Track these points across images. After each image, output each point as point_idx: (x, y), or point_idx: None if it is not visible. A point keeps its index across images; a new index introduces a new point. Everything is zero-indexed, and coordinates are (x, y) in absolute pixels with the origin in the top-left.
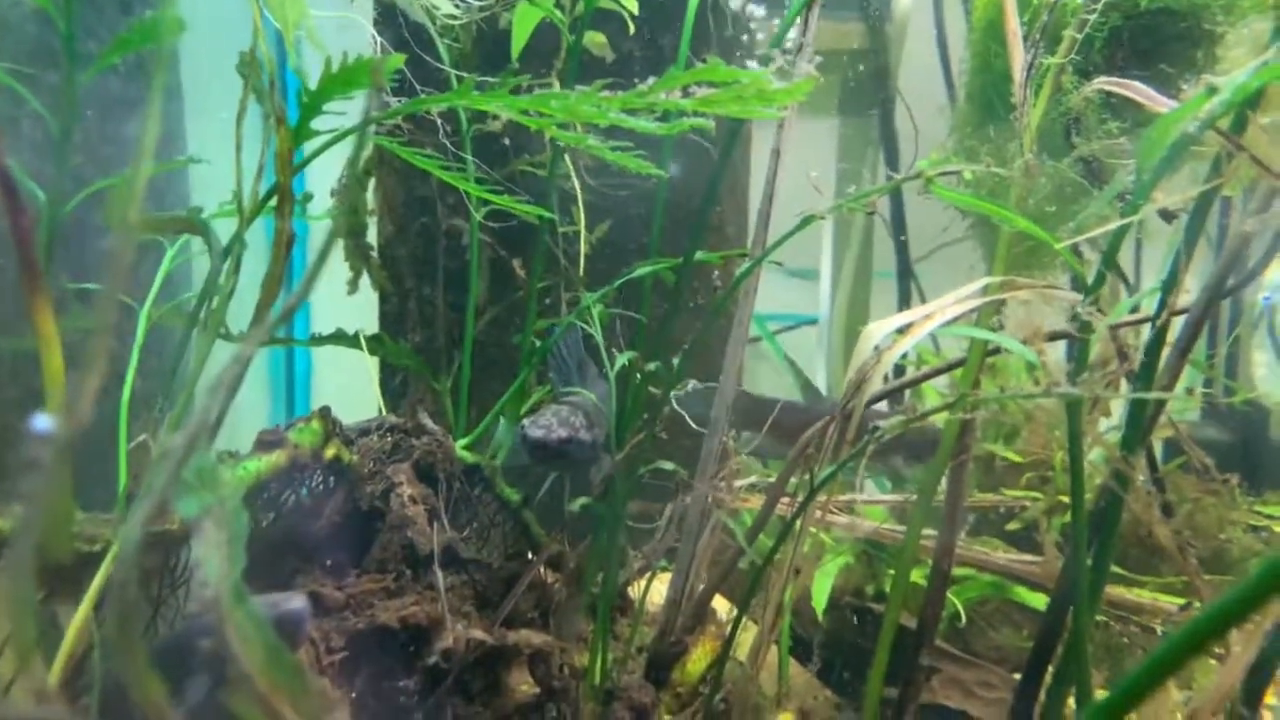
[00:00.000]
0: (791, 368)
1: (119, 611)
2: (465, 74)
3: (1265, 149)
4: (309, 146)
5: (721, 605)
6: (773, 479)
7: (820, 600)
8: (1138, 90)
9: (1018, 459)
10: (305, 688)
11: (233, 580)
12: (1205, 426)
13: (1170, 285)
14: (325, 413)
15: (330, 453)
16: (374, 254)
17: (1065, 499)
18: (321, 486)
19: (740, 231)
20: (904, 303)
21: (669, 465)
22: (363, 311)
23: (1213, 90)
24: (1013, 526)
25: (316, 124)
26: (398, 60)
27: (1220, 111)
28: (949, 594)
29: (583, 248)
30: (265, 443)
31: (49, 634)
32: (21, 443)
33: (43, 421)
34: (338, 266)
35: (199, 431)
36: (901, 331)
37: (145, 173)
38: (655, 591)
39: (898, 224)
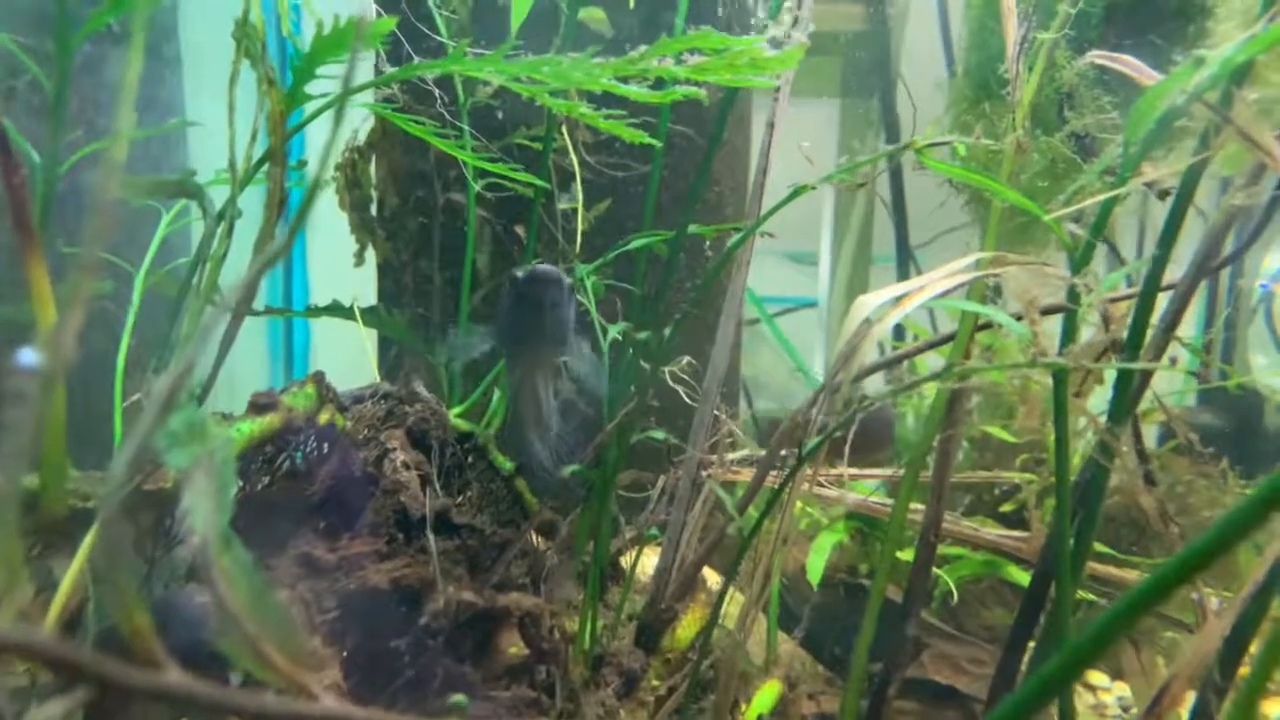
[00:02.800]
0: (788, 349)
1: (107, 547)
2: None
3: (1253, 124)
4: (306, 110)
5: (713, 575)
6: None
7: (815, 574)
8: (1129, 64)
9: (1013, 440)
10: (291, 631)
11: (220, 528)
12: (1200, 412)
13: (1160, 260)
14: (319, 377)
15: (324, 418)
16: (378, 227)
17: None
18: (315, 451)
19: (738, 213)
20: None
21: (659, 434)
22: (362, 285)
23: (1200, 62)
24: (1007, 508)
25: (316, 90)
26: (389, 23)
27: (1208, 84)
28: (941, 572)
29: (579, 224)
30: (259, 405)
31: (44, 589)
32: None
33: (28, 355)
34: (342, 238)
35: (184, 374)
36: (893, 304)
37: (130, 121)
38: (647, 563)
39: (898, 208)
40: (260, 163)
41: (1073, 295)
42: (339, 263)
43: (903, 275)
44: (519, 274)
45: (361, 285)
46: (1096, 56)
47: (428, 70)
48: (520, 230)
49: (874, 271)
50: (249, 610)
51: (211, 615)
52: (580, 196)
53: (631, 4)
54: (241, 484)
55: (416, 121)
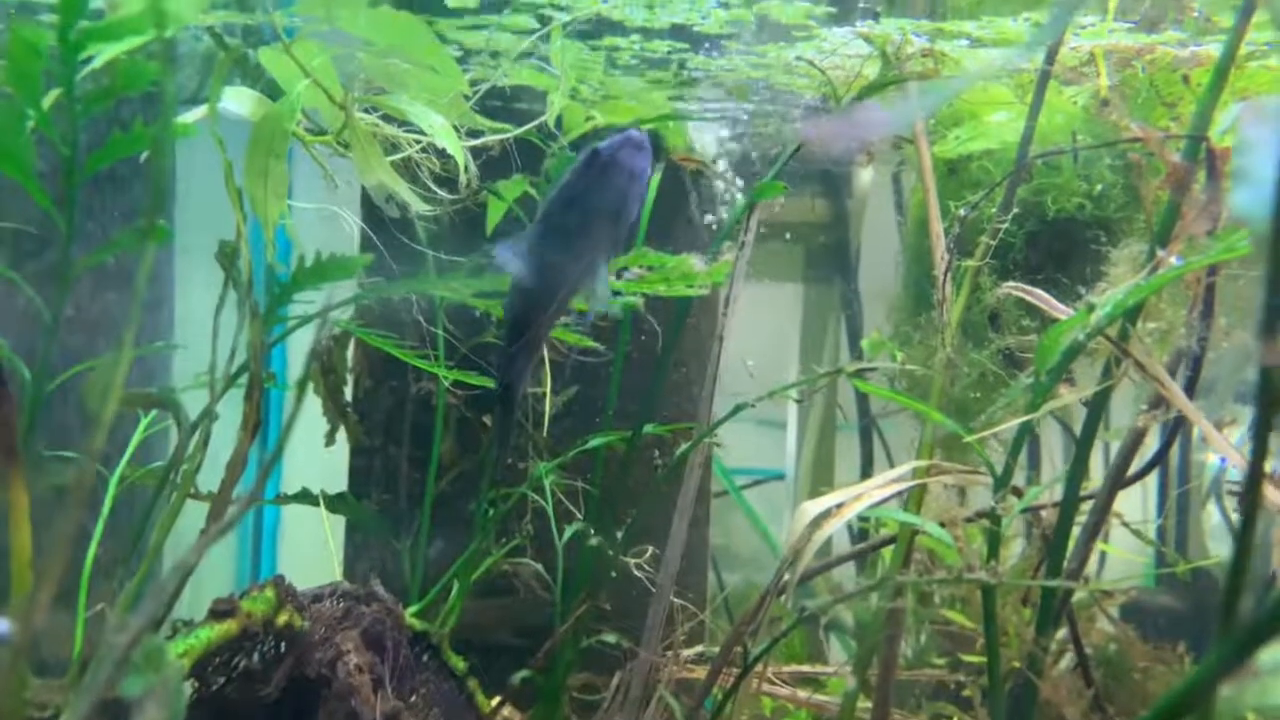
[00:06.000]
0: (755, 521)
1: None
2: (441, 247)
3: (1146, 357)
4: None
5: None
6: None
7: None
8: (1039, 297)
9: (972, 625)
10: None
11: None
12: (1158, 593)
13: (1076, 473)
14: (279, 581)
15: (282, 619)
16: (350, 410)
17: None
18: (272, 652)
19: (711, 382)
20: (867, 464)
21: (611, 638)
22: (334, 464)
23: (1091, 307)
24: (969, 693)
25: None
26: (365, 260)
27: (1105, 322)
28: None
29: (547, 408)
30: (218, 612)
31: None
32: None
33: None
34: (315, 418)
35: (146, 624)
36: (834, 510)
37: (128, 357)
38: None
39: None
40: (236, 375)
41: (995, 517)
42: (313, 440)
43: (865, 446)
44: (603, 145)
45: (334, 464)
46: (1012, 287)
47: (399, 291)
48: (487, 419)
49: (841, 441)
50: None
51: None
52: (548, 383)
53: None
54: (197, 685)
55: (384, 336)
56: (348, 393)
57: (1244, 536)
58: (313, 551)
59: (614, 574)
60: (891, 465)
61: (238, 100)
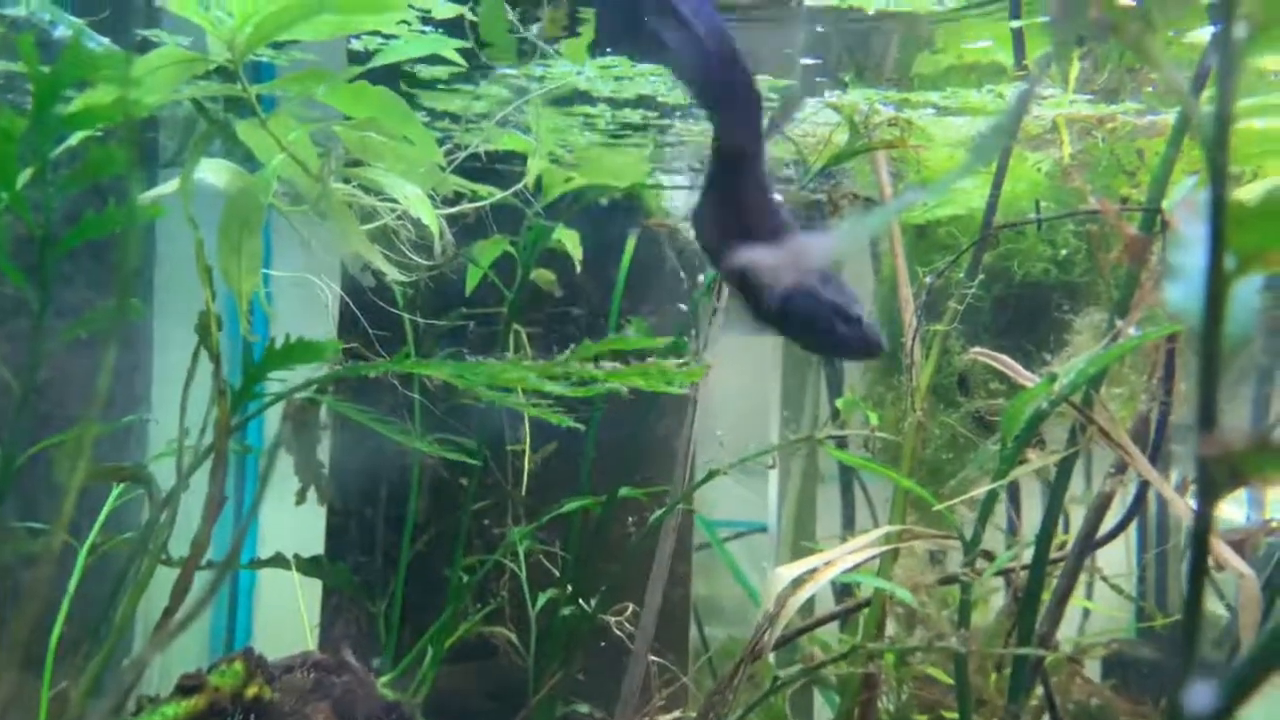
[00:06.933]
0: (738, 575)
1: None
2: (419, 311)
3: (1110, 424)
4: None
5: None
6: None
7: None
8: (1005, 363)
9: (952, 682)
10: None
11: None
12: (1139, 646)
13: (1045, 535)
14: (249, 653)
15: (251, 692)
16: (324, 470)
17: None
18: None
19: (686, 444)
20: (849, 516)
21: (584, 708)
22: (314, 524)
23: (1053, 378)
24: None
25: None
26: (335, 346)
27: (1068, 392)
28: None
29: (526, 464)
30: (185, 688)
31: None
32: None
33: None
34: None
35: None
36: (808, 576)
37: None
38: None
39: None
40: (207, 453)
41: (965, 585)
42: (291, 502)
43: (847, 498)
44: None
45: (311, 523)
46: (978, 353)
47: (374, 370)
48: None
49: (823, 493)
50: None
51: None
52: (528, 442)
53: (579, 268)
54: None
55: (363, 410)
56: (324, 451)
57: (1191, 608)
58: (289, 613)
59: (589, 639)
60: (874, 516)
61: (213, 173)
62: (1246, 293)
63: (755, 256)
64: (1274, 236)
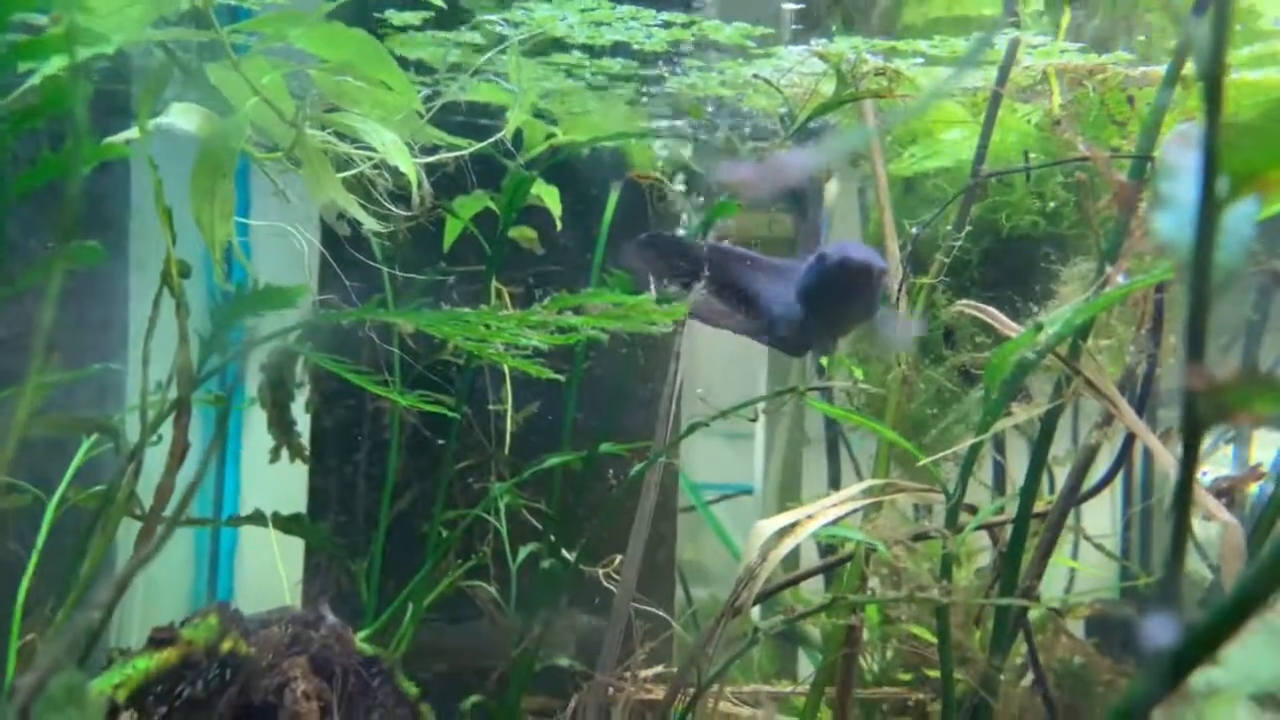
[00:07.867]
0: (723, 537)
1: None
2: (399, 265)
3: (1097, 374)
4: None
5: None
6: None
7: None
8: (991, 315)
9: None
10: None
11: None
12: (1123, 606)
13: (1029, 490)
14: (223, 606)
15: (226, 646)
16: (296, 426)
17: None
18: (217, 680)
19: (669, 401)
20: (835, 477)
21: (565, 661)
22: (294, 482)
23: (1039, 327)
24: (934, 707)
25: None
26: (302, 290)
27: (1055, 340)
28: None
29: (508, 425)
30: (157, 641)
31: None
32: None
33: None
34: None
35: (66, 649)
36: (789, 530)
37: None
38: None
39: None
40: (172, 407)
41: (952, 519)
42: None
43: (833, 459)
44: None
45: (295, 482)
46: (964, 305)
47: (349, 318)
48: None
49: (809, 454)
50: None
51: None
52: (509, 400)
53: (559, 226)
54: (137, 715)
55: (339, 361)
56: (300, 409)
57: (1173, 561)
58: (271, 573)
59: (572, 595)
60: (860, 477)
61: (185, 117)
62: (1239, 220)
63: (738, 171)
64: (1271, 156)
